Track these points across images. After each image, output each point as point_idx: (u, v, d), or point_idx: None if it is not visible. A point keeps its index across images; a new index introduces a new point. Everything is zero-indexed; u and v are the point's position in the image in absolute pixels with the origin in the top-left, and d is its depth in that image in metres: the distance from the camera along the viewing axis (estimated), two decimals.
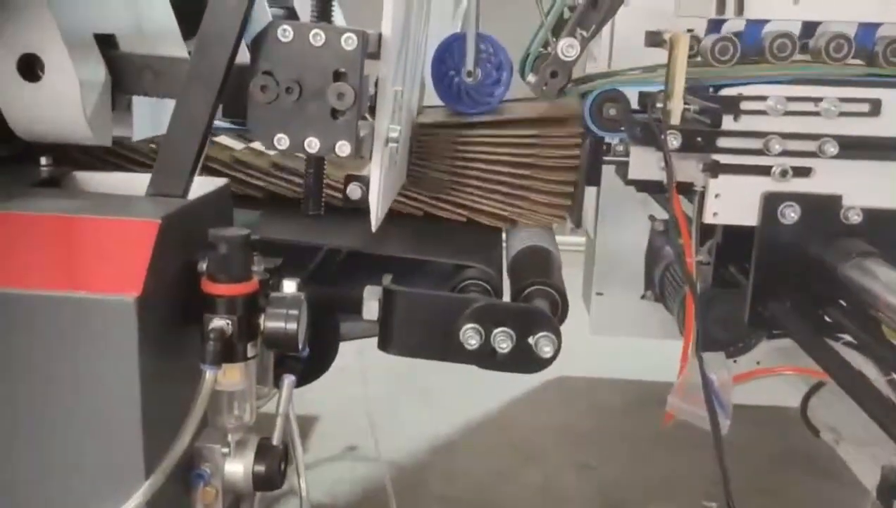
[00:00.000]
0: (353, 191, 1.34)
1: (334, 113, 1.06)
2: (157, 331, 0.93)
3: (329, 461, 2.59)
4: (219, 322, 0.95)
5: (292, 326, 0.96)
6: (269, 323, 0.97)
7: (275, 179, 1.56)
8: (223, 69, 0.98)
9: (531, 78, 1.50)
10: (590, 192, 2.67)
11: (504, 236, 1.66)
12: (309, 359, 1.35)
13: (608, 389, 3.13)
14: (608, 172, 2.49)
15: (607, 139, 1.68)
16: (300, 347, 0.98)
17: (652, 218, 2.42)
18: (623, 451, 2.68)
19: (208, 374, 0.94)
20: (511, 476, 2.53)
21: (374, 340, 1.30)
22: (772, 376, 2.19)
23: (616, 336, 2.76)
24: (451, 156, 1.57)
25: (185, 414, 0.94)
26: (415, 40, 1.45)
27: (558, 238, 1.62)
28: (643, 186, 1.75)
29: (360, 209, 1.29)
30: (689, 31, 1.56)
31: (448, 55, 1.62)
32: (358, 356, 3.04)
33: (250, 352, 0.98)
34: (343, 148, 1.06)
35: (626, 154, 1.71)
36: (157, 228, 0.90)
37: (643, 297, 2.45)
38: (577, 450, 2.69)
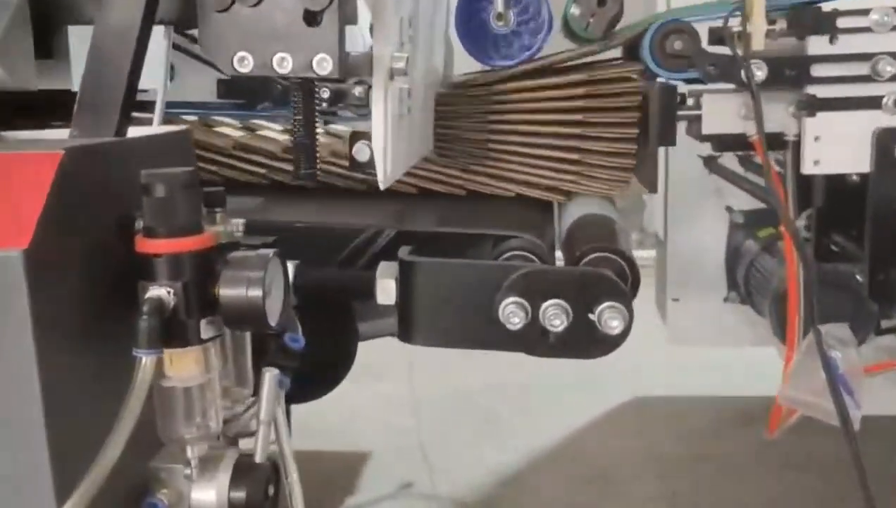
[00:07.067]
0: (361, 151, 1.10)
1: (309, 17, 0.81)
2: (68, 303, 0.68)
3: (383, 500, 2.36)
4: (156, 291, 0.70)
5: (255, 292, 0.70)
6: (225, 290, 0.71)
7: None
8: None
9: (574, 9, 1.23)
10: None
11: (556, 211, 1.39)
12: (320, 363, 1.11)
13: (693, 408, 2.80)
14: (675, 161, 2.22)
15: (679, 88, 1.40)
16: (270, 321, 0.72)
17: (729, 209, 2.15)
18: (715, 477, 2.34)
19: (144, 361, 0.69)
20: None
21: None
22: None
23: (697, 346, 2.47)
24: (483, 119, 1.31)
25: None
26: None
27: None
28: (721, 142, 1.47)
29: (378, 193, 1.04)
30: None
31: None
32: (408, 384, 2.79)
33: (207, 332, 0.73)
34: (324, 64, 0.81)
35: (698, 108, 1.43)
36: (56, 163, 0.65)
37: (726, 300, 2.19)
38: (662, 480, 2.36)
